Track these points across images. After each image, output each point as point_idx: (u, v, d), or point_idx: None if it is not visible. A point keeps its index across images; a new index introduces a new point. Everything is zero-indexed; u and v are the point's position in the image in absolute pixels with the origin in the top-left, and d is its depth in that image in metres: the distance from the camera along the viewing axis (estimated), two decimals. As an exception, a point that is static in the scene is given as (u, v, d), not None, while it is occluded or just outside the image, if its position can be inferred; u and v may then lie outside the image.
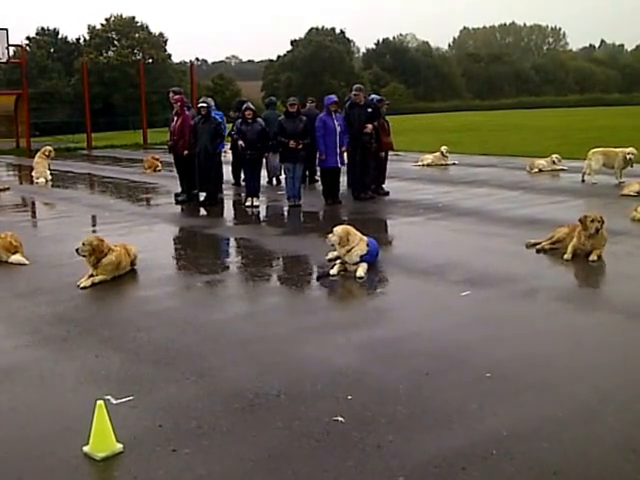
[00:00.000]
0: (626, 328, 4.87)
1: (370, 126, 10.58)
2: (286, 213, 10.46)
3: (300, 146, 10.24)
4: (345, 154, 10.75)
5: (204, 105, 10.86)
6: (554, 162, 14.40)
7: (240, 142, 10.67)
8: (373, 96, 11.83)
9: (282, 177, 12.14)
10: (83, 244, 6.20)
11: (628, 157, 11.87)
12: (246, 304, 5.80)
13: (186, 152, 11.02)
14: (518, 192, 11.60)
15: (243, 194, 11.46)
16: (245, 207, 10.80)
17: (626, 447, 3.17)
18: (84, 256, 6.20)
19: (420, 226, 8.97)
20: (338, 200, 10.75)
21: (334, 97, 10.58)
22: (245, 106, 10.82)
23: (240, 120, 10.86)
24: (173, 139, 11.36)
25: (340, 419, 3.45)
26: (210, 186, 10.98)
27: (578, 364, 4.20)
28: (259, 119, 10.88)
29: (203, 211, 10.70)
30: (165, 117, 16.01)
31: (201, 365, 4.22)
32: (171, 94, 11.51)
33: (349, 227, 6.54)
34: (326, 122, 10.34)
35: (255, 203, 10.80)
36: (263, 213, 10.67)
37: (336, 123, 10.34)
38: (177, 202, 11.34)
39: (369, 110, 10.74)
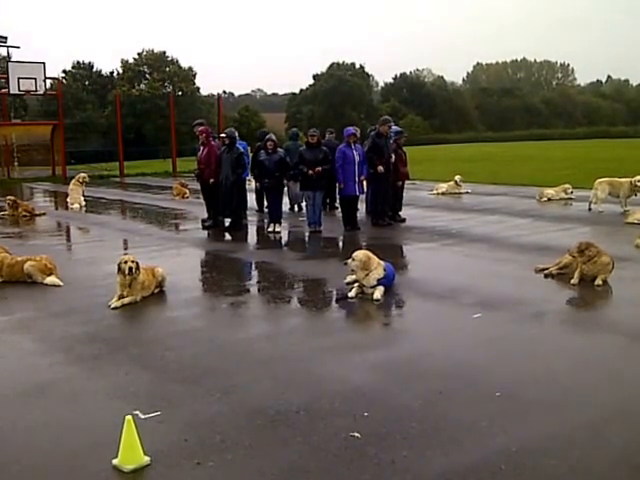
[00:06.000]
0: (630, 350, 4.94)
1: (393, 156, 10.97)
2: (307, 238, 10.65)
3: (318, 168, 10.50)
4: (364, 183, 10.97)
5: (224, 135, 11.22)
6: (566, 192, 14.63)
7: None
8: (393, 127, 12.06)
9: (303, 204, 12.34)
10: (132, 261, 6.43)
11: (639, 184, 12.18)
12: (268, 325, 5.93)
13: (212, 180, 11.36)
14: (528, 220, 11.72)
15: (266, 220, 11.69)
16: (268, 233, 11.02)
17: (629, 464, 3.23)
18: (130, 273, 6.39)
19: (434, 251, 9.10)
20: (357, 226, 10.93)
21: (352, 129, 10.82)
22: (267, 137, 11.09)
23: (262, 150, 11.14)
24: (200, 168, 11.70)
25: (357, 435, 3.54)
26: (234, 213, 11.24)
27: (583, 384, 4.27)
28: (279, 149, 11.14)
29: (228, 236, 10.93)
30: (193, 147, 16.44)
31: (225, 383, 4.34)
32: (195, 128, 11.87)
33: (367, 252, 6.66)
34: (345, 152, 10.60)
35: (277, 229, 11.00)
36: (285, 238, 10.85)
37: (355, 153, 10.59)
38: (204, 227, 11.63)
39: (390, 141, 11.12)
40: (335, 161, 10.69)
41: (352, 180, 10.66)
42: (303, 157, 10.67)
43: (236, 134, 11.67)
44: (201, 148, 11.69)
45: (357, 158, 10.60)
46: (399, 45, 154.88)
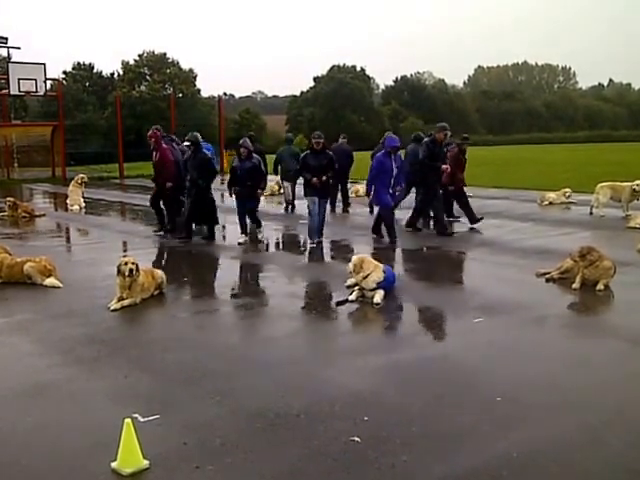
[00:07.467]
0: (631, 355, 4.94)
1: (446, 166, 10.68)
2: (307, 243, 10.46)
3: (324, 178, 10.08)
4: (397, 192, 10.54)
5: (187, 144, 10.71)
6: (566, 196, 14.60)
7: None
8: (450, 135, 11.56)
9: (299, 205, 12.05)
10: (132, 263, 6.44)
11: (637, 188, 12.14)
12: (268, 328, 5.91)
13: (169, 184, 10.83)
14: (529, 223, 11.73)
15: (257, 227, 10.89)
16: (238, 243, 10.09)
17: (629, 468, 3.23)
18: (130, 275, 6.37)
19: (436, 255, 9.09)
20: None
21: (397, 142, 10.15)
22: (240, 142, 10.36)
23: (236, 156, 10.52)
24: (156, 173, 11.16)
25: (356, 439, 3.53)
26: (208, 219, 10.59)
27: (584, 388, 4.27)
28: (255, 156, 10.35)
29: (227, 240, 10.81)
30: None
31: (225, 386, 4.33)
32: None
33: (364, 255, 6.71)
34: (384, 163, 9.98)
35: (240, 240, 10.08)
36: (285, 241, 10.83)
37: (394, 165, 10.01)
38: (158, 234, 11.06)
39: (445, 149, 11.01)
40: (370, 169, 10.17)
41: (387, 190, 10.06)
42: (308, 163, 9.97)
43: (200, 137, 10.72)
44: (153, 154, 11.14)
45: (395, 170, 10.01)
46: (400, 47, 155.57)
